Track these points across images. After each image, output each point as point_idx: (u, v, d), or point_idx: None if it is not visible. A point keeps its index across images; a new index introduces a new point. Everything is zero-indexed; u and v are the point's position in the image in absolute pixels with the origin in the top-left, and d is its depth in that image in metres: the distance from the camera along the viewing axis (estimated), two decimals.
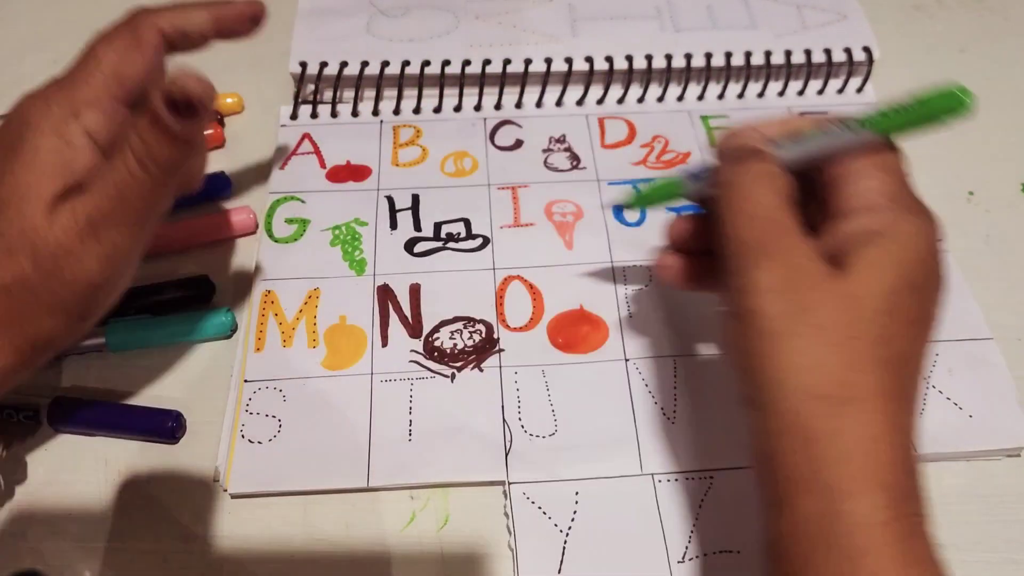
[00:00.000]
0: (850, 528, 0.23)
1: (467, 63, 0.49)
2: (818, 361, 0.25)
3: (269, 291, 0.41)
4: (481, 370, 0.38)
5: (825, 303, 0.26)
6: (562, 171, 0.46)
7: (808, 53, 0.50)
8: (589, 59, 0.49)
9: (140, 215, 0.30)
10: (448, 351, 0.39)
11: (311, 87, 0.49)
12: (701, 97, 0.50)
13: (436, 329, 0.40)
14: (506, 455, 0.36)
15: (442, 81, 0.49)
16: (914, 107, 0.28)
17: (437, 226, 0.44)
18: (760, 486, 0.26)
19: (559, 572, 0.33)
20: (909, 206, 0.28)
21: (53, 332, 0.31)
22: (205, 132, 0.30)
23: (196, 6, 0.34)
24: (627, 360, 0.39)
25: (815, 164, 0.29)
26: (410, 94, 0.49)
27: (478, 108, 0.49)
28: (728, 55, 0.49)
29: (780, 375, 0.25)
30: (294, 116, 0.49)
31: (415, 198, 0.45)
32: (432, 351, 0.39)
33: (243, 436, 0.36)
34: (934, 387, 0.38)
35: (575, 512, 0.34)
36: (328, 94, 0.49)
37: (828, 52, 0.50)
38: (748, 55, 0.49)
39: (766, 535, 0.26)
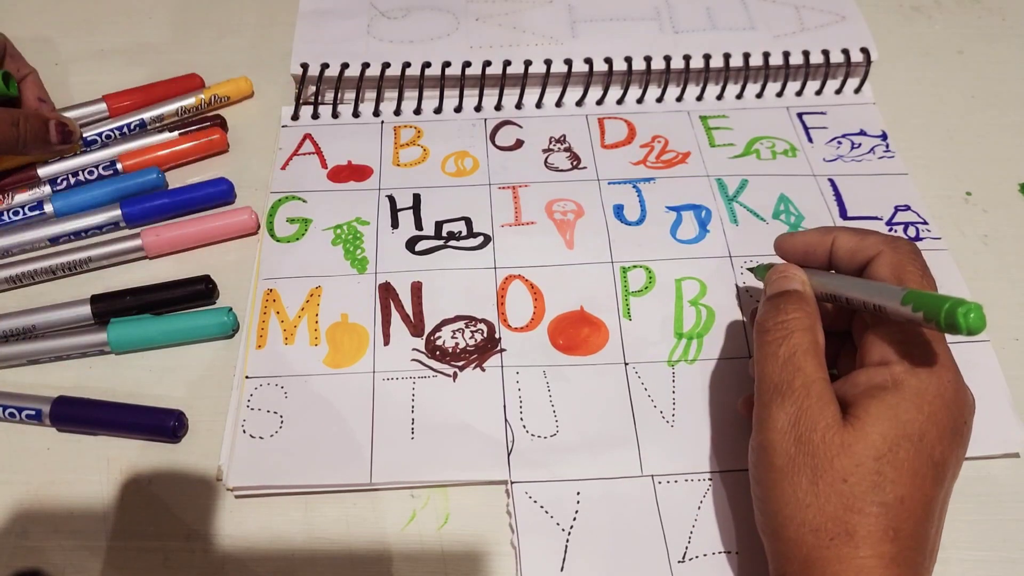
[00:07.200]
0: None
1: (467, 64, 0.49)
2: (815, 499, 0.28)
3: (271, 290, 0.41)
4: (483, 370, 0.39)
5: (824, 448, 0.29)
6: (562, 171, 0.47)
7: (806, 54, 0.50)
8: (588, 60, 0.49)
9: None
10: (450, 350, 0.39)
11: (312, 88, 0.49)
12: (700, 97, 0.50)
13: (438, 328, 0.40)
14: (508, 455, 0.36)
15: (442, 82, 0.49)
16: (933, 301, 0.28)
17: (438, 225, 0.44)
18: None
19: (562, 571, 0.33)
20: (923, 363, 0.29)
21: None
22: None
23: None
24: (626, 364, 0.39)
25: (846, 304, 0.32)
26: (411, 95, 0.50)
27: (478, 109, 0.50)
28: (727, 56, 0.50)
29: (785, 508, 0.29)
30: (295, 117, 0.49)
31: (416, 197, 0.45)
32: (434, 350, 0.39)
33: (244, 431, 0.36)
34: None
35: (577, 512, 0.35)
36: (329, 95, 0.49)
37: (826, 53, 0.50)
38: (747, 56, 0.50)
39: None
